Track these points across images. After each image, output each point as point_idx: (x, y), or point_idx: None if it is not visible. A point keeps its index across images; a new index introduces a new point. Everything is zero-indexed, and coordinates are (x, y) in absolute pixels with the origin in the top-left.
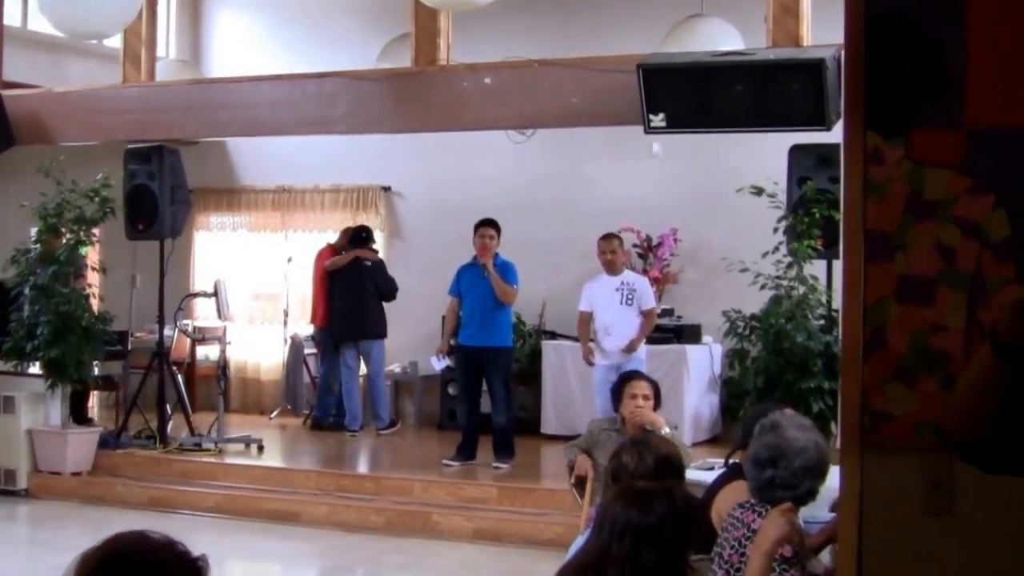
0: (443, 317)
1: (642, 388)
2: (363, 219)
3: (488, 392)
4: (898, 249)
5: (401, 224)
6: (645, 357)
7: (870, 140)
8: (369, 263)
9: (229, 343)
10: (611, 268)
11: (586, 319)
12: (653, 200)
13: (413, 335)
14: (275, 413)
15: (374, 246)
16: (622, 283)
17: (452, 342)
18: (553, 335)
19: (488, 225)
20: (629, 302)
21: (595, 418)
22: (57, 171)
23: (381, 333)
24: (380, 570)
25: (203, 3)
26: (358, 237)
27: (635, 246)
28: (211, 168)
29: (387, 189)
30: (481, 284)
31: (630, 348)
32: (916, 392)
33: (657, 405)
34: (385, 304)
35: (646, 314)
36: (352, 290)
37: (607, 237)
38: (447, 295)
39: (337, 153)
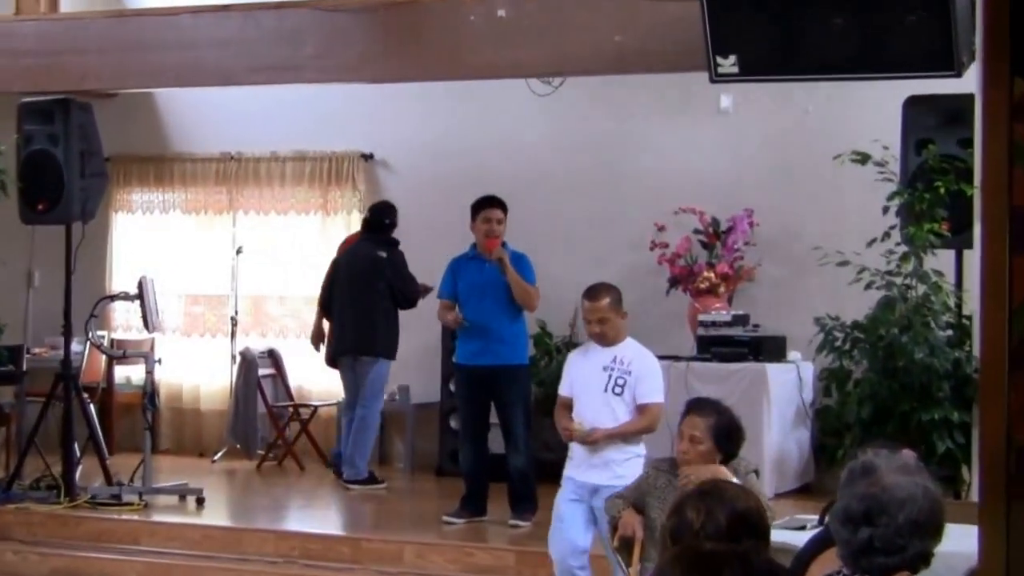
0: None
1: (692, 426)
2: (336, 196)
3: (500, 426)
4: None
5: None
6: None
7: (1017, 88)
8: (383, 255)
9: (159, 362)
10: (601, 340)
11: (566, 405)
12: (721, 171)
13: (404, 352)
14: (220, 454)
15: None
16: (615, 361)
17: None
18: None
19: (494, 205)
20: (618, 390)
21: (655, 458)
22: None
23: (386, 351)
24: None
25: None
26: (376, 220)
27: (697, 232)
28: (135, 129)
29: (368, 157)
30: (487, 283)
31: (590, 438)
32: None
33: (725, 450)
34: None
35: (643, 411)
36: (357, 291)
37: (593, 293)
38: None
39: (303, 109)
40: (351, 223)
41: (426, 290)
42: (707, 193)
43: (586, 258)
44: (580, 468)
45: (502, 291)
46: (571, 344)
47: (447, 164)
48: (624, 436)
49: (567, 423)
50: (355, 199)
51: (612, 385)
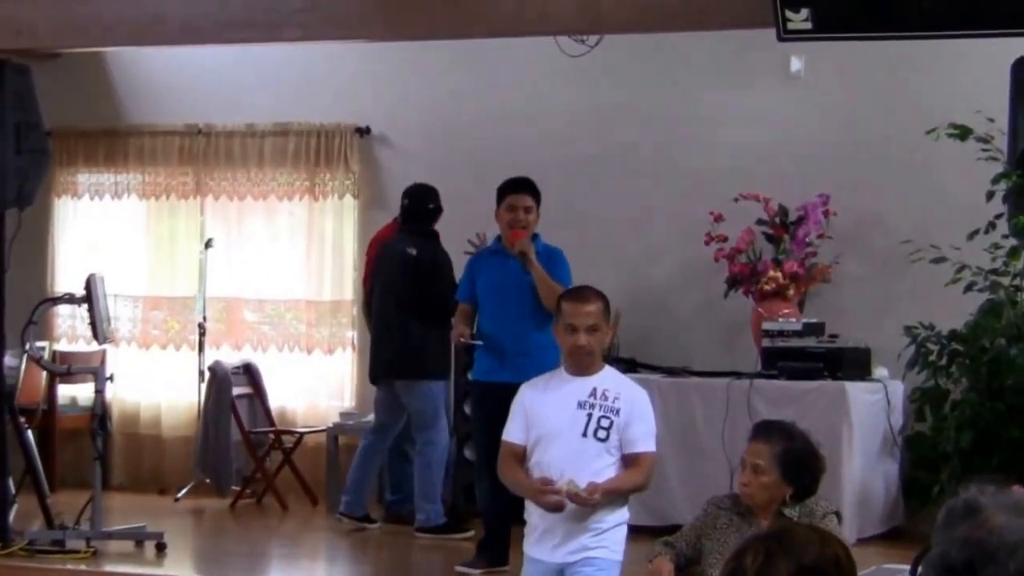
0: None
1: (756, 453)
2: (325, 178)
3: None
4: None
5: (385, 187)
6: (618, 548)
7: None
8: (414, 252)
9: (110, 379)
10: (585, 360)
11: (516, 456)
12: (790, 149)
13: None
14: (185, 491)
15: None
16: (594, 395)
17: (468, 334)
18: (633, 365)
19: (522, 190)
20: (601, 434)
21: (714, 495)
22: None
23: (432, 370)
24: None
25: None
26: (414, 207)
27: (761, 223)
28: (83, 97)
29: (364, 131)
30: (511, 283)
31: (591, 499)
32: None
33: (796, 484)
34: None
35: (636, 463)
36: (388, 299)
37: (581, 295)
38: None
39: (285, 74)
40: (343, 210)
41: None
42: (773, 176)
43: (627, 255)
44: (548, 544)
45: (528, 293)
46: (608, 358)
47: (459, 141)
48: (614, 495)
49: (541, 482)
50: (348, 182)
51: (594, 427)
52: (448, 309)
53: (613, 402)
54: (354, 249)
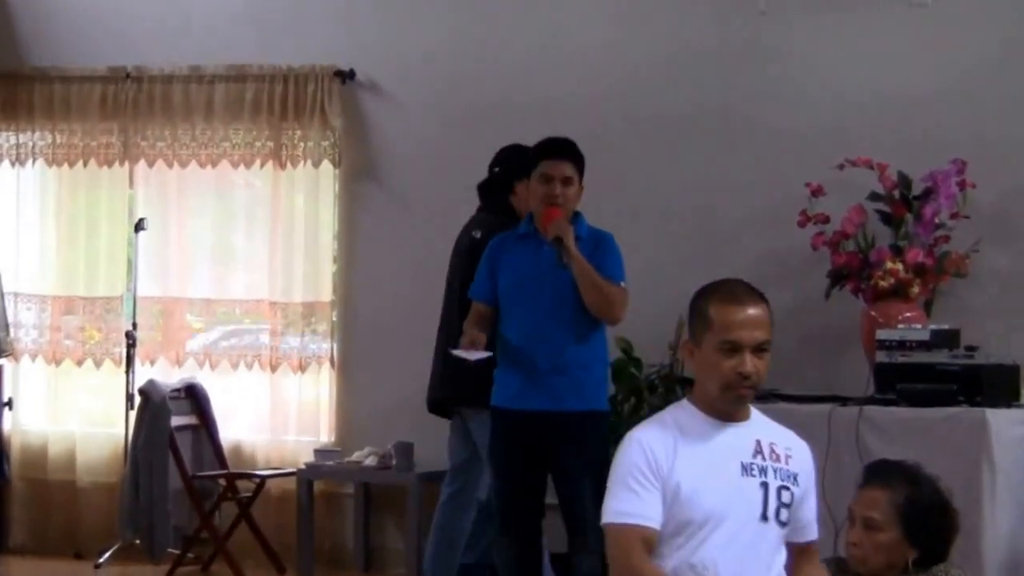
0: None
1: (869, 504)
2: (294, 137)
3: (561, 508)
4: None
5: (375, 150)
6: None
7: None
8: (478, 234)
9: (8, 405)
10: (737, 401)
11: (651, 545)
12: (914, 100)
13: (396, 386)
14: (108, 555)
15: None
16: (761, 450)
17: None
18: None
19: (560, 154)
20: (783, 515)
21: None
22: None
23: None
24: None
25: None
26: (490, 178)
27: (875, 199)
28: None
29: (347, 76)
30: (545, 280)
31: None
32: None
33: (921, 544)
34: None
35: (811, 556)
36: (450, 299)
37: (734, 296)
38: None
39: (242, 2)
40: (319, 181)
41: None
42: (891, 136)
43: (692, 243)
44: None
45: (567, 291)
46: (673, 380)
47: (467, 88)
48: None
49: None
50: (326, 143)
51: (775, 505)
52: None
53: (787, 463)
54: (333, 232)
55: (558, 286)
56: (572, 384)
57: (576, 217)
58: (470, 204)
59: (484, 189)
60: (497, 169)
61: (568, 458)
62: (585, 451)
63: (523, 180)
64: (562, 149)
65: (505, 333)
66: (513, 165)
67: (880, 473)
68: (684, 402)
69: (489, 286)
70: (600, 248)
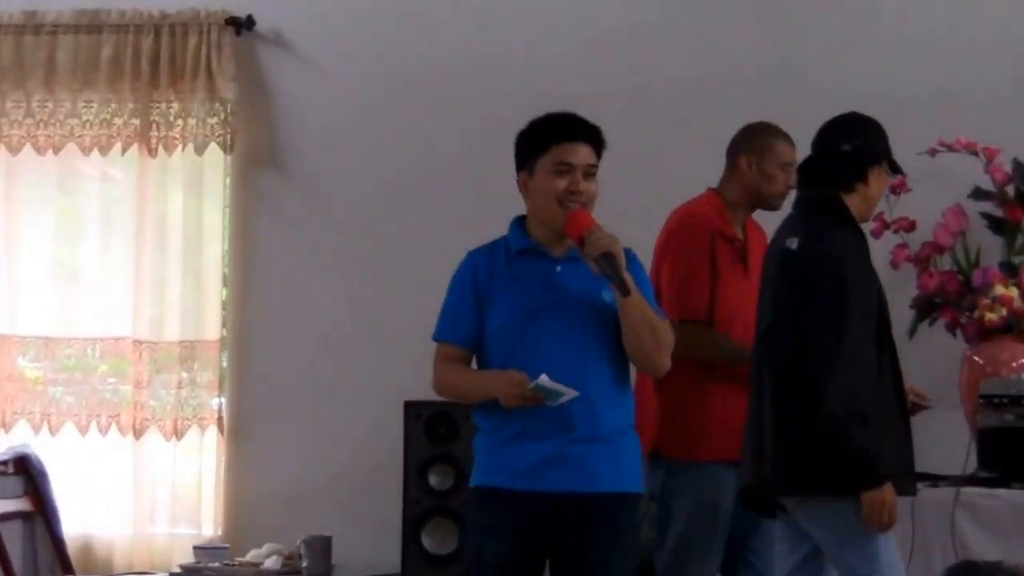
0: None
1: None
2: (171, 111)
3: None
4: None
5: (278, 126)
6: None
7: None
8: (794, 244)
9: None
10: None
11: None
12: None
13: (309, 457)
14: None
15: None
16: None
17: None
18: None
19: (580, 135)
20: None
21: None
22: None
23: (837, 477)
24: None
25: None
26: (814, 160)
27: (980, 196)
28: None
29: (242, 26)
30: (568, 309)
31: None
32: None
33: None
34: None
35: None
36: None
37: None
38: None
39: None
40: (203, 172)
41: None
42: (998, 112)
43: None
44: None
45: (602, 326)
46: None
47: (406, 46)
48: None
49: None
50: (214, 120)
51: None
52: (822, 360)
53: None
54: (223, 242)
55: (589, 320)
56: (612, 454)
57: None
58: (408, 201)
59: (806, 174)
60: (848, 147)
61: (603, 557)
62: (623, 545)
63: (878, 166)
64: (580, 129)
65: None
66: (872, 142)
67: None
68: None
69: (469, 322)
70: (629, 270)
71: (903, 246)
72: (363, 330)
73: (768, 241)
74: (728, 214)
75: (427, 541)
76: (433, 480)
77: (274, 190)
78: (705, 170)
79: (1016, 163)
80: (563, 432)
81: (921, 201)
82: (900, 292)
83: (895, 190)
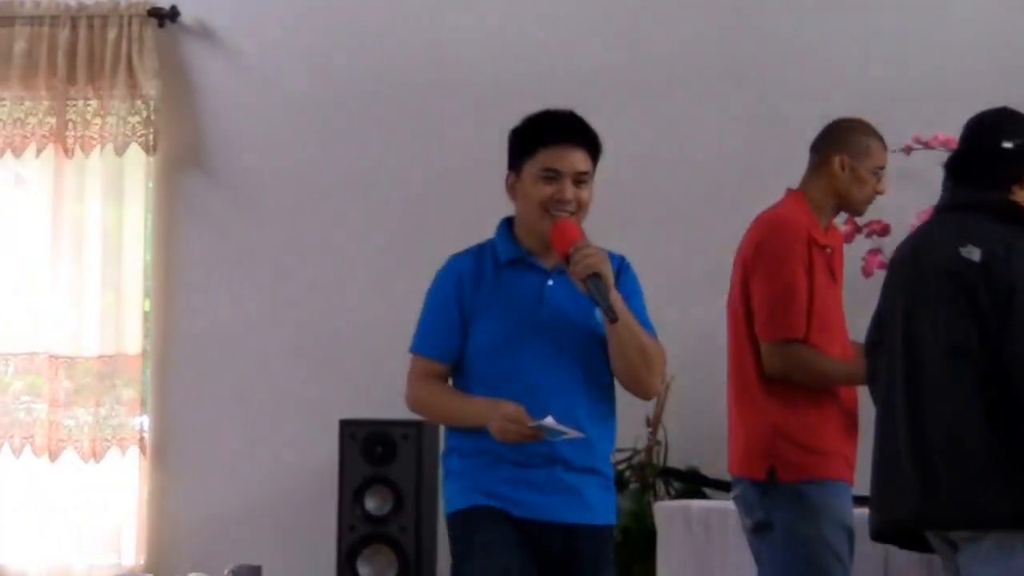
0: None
1: None
2: (86, 109)
3: None
4: None
5: (205, 125)
6: None
7: None
8: (975, 258)
9: None
10: None
11: None
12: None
13: (238, 480)
14: None
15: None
16: None
17: None
18: (696, 482)
19: (571, 137)
20: None
21: None
22: None
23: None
24: None
25: None
26: (967, 156)
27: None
28: None
29: (166, 17)
30: (559, 329)
31: None
32: None
33: None
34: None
35: None
36: (933, 362)
37: None
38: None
39: None
40: (123, 175)
41: None
42: (992, 99)
43: (677, 268)
44: None
45: (594, 346)
46: (652, 474)
47: (346, 37)
48: None
49: None
50: (135, 118)
51: None
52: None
53: None
54: (145, 250)
55: (584, 341)
56: (600, 486)
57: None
58: (344, 204)
59: (959, 172)
60: (1011, 144)
61: None
62: None
63: None
64: (574, 128)
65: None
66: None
67: None
68: None
69: (451, 337)
70: (620, 282)
71: (876, 251)
72: (296, 343)
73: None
74: (816, 218)
75: (364, 570)
76: (370, 504)
77: (200, 193)
78: (647, 164)
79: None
80: (553, 460)
81: (896, 203)
82: (872, 302)
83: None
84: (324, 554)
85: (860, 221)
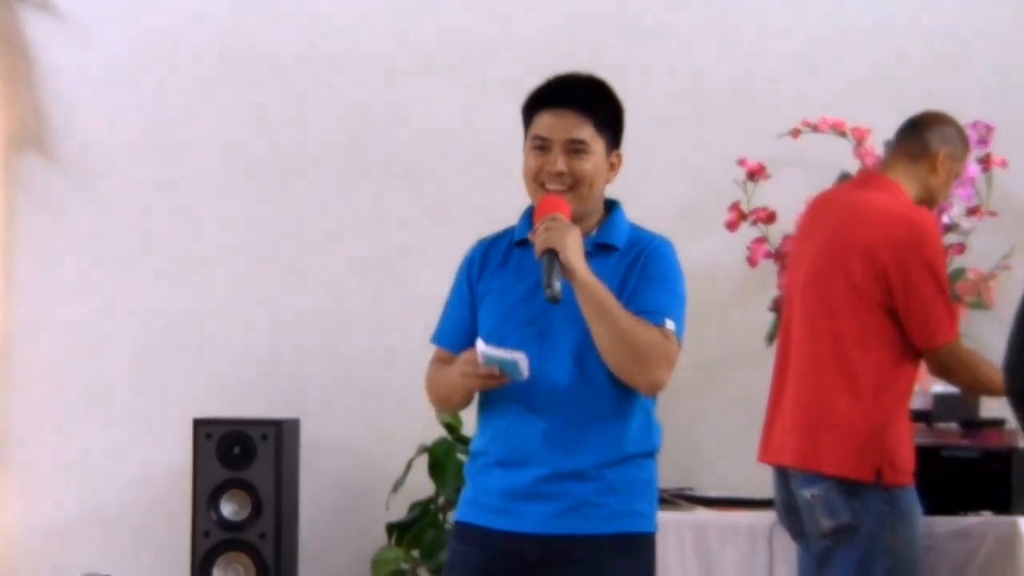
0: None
1: None
2: None
3: None
4: None
5: (45, 103)
6: None
7: None
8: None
9: None
10: None
11: None
12: (915, 32)
13: (83, 483)
14: None
15: None
16: None
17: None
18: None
19: (567, 101)
20: None
21: None
22: None
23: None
24: None
25: None
26: None
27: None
28: None
29: None
30: (565, 315)
31: None
32: None
33: None
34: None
35: None
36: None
37: None
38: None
39: None
40: None
41: None
42: (875, 85)
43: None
44: None
45: (586, 332)
46: None
47: (198, 14)
48: None
49: None
50: None
51: None
52: None
53: None
54: None
55: (578, 325)
56: (606, 491)
57: (610, 212)
58: (199, 191)
59: None
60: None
61: None
62: None
63: None
64: (572, 90)
65: (489, 405)
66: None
67: None
68: None
69: (461, 325)
70: (642, 265)
71: (762, 240)
72: (146, 337)
73: None
74: None
75: None
76: (226, 509)
77: (41, 178)
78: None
79: (888, 144)
80: (548, 461)
81: (782, 188)
82: (758, 293)
83: (752, 176)
84: (178, 562)
85: (745, 208)
